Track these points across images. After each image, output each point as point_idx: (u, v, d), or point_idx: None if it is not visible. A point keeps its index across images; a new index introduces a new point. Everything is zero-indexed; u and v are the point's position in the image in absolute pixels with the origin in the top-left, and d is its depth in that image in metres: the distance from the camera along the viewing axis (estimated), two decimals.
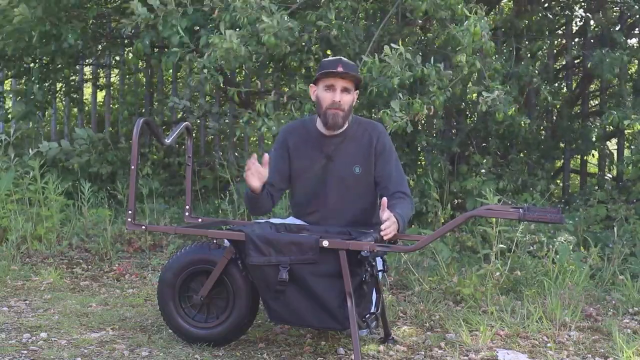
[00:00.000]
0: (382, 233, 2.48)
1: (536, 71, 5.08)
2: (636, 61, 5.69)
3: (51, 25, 5.21)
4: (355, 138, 2.88)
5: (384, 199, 2.55)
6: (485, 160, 4.96)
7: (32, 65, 6.07)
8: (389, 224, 2.50)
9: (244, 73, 6.35)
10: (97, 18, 6.00)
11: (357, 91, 2.88)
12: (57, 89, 6.91)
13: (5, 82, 7.08)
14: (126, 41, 6.38)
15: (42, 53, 5.68)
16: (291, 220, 2.91)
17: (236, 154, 6.05)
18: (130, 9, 4.28)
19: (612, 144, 6.02)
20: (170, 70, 7.08)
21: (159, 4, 4.17)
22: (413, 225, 4.58)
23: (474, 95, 4.26)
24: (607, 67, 4.70)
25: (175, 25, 4.25)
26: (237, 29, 4.07)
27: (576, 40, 5.94)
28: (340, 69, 2.75)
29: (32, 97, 6.12)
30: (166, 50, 5.03)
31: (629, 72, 5.69)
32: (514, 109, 4.29)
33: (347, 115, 2.83)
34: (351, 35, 4.44)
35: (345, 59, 2.87)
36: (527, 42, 5.30)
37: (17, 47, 5.36)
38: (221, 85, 4.77)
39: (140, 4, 4.15)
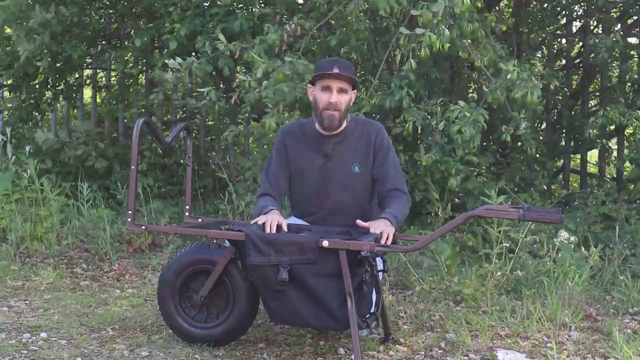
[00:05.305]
0: (382, 240, 2.50)
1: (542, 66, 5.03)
2: (636, 59, 5.68)
3: (56, 44, 5.34)
4: (353, 137, 2.88)
5: (358, 221, 2.61)
6: (483, 159, 4.92)
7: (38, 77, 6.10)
8: (383, 228, 2.54)
9: None
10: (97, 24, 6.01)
11: (355, 91, 2.88)
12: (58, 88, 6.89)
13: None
14: (126, 43, 6.36)
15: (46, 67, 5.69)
16: (292, 220, 2.91)
17: (237, 152, 6.02)
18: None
19: (612, 144, 6.01)
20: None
21: (180, 61, 4.18)
22: (412, 226, 4.57)
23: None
24: (599, 51, 4.69)
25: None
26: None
27: (576, 40, 5.94)
28: (336, 70, 2.75)
29: (23, 104, 6.15)
30: (166, 50, 5.02)
31: (630, 71, 5.68)
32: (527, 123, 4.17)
33: (344, 116, 2.83)
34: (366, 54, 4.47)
35: (342, 59, 2.85)
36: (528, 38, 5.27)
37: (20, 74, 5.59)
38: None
39: (163, 73, 4.19)
